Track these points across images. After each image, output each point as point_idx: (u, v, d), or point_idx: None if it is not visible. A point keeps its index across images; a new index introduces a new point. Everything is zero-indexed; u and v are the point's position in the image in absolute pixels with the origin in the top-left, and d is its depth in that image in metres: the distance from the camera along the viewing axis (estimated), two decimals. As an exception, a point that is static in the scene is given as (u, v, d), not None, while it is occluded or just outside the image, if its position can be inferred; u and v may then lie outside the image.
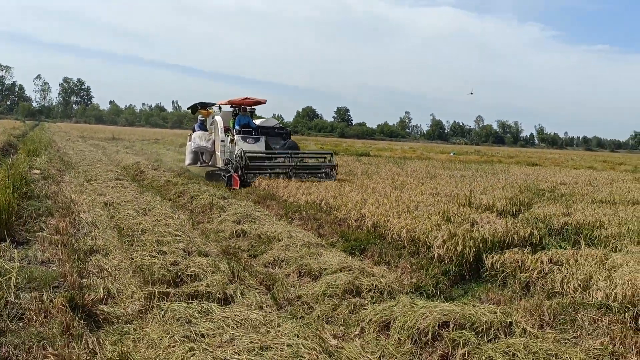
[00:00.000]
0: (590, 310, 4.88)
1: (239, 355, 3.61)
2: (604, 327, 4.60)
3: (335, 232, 8.63)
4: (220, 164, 15.91)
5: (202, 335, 4.07)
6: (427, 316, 4.47)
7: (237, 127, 15.88)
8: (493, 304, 5.30)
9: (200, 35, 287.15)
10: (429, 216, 8.50)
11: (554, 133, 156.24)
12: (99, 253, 6.56)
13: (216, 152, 16.46)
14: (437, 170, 21.63)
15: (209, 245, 7.12)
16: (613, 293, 5.06)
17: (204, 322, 4.35)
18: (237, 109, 16.69)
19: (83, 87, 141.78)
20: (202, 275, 5.60)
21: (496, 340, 4.28)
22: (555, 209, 10.13)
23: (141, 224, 7.94)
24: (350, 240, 7.97)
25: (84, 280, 5.46)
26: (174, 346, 3.83)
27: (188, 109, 18.16)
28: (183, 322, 4.35)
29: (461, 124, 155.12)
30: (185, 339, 3.93)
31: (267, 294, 5.48)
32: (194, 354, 3.67)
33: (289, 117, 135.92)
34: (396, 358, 4.08)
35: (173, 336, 3.98)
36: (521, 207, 10.76)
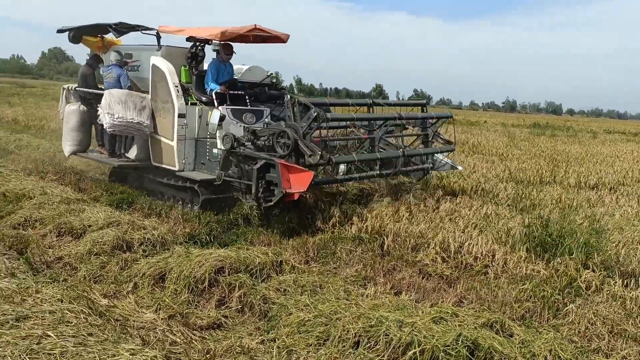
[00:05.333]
0: (347, 242, 5.52)
1: (-12, 332, 3.11)
2: (358, 256, 5.27)
3: (99, 185, 8.01)
4: (175, 163, 7.37)
5: None
6: (203, 264, 4.51)
7: (213, 88, 7.45)
8: (264, 245, 5.58)
9: None
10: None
11: (311, 84, 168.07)
12: None
13: (160, 137, 7.61)
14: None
15: None
16: (365, 226, 5.80)
17: None
18: (198, 47, 7.93)
19: None
20: None
21: (269, 280, 4.56)
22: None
23: None
24: (117, 194, 7.49)
25: None
26: None
27: (62, 31, 8.84)
28: None
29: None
30: None
31: (19, 259, 4.85)
32: None
33: (32, 59, 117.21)
34: (173, 309, 4.03)
35: None
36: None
